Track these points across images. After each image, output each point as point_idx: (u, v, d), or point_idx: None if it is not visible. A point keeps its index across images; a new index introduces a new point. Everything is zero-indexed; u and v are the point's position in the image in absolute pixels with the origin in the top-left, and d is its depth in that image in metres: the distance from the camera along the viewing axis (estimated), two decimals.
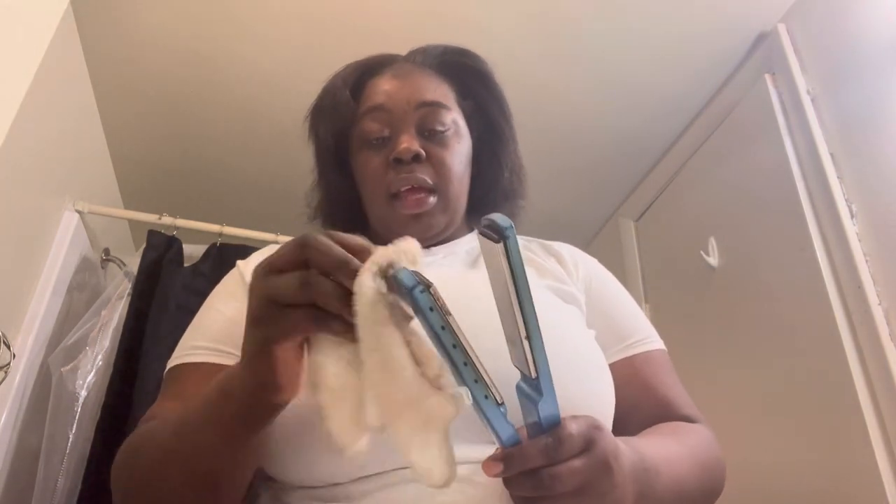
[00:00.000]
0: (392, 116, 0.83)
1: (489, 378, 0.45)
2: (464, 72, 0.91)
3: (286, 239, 1.83)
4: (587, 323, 0.81)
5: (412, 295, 0.43)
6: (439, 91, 0.86)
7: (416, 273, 0.44)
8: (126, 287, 1.72)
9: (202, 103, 1.79)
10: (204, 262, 1.71)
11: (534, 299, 0.46)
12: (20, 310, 1.49)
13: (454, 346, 0.44)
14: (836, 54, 1.42)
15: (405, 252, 0.47)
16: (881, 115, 1.27)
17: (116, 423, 1.47)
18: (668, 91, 1.78)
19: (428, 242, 0.85)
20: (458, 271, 0.82)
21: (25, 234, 1.49)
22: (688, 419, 0.78)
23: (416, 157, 0.80)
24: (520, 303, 0.46)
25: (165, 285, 1.64)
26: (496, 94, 0.93)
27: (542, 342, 0.47)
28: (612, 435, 0.53)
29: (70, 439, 1.48)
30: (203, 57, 1.66)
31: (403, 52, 0.95)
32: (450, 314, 0.44)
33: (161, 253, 1.70)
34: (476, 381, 0.45)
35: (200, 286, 1.66)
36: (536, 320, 0.46)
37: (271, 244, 1.72)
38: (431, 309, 0.43)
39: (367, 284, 0.44)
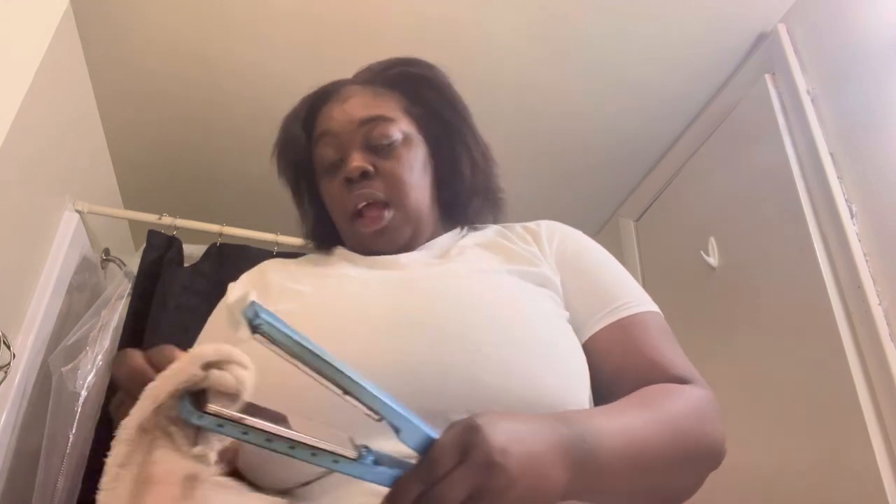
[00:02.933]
0: (339, 139, 0.86)
1: (326, 444, 0.46)
2: (410, 80, 0.92)
3: (286, 239, 1.84)
4: (566, 302, 0.79)
5: (197, 426, 0.45)
6: (382, 104, 0.87)
7: (197, 396, 0.45)
8: (126, 287, 1.72)
9: (202, 103, 1.79)
10: (204, 262, 1.71)
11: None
12: (20, 310, 1.49)
13: (269, 441, 0.45)
14: (836, 54, 1.42)
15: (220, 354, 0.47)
16: (881, 115, 1.27)
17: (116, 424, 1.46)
18: (668, 91, 1.78)
19: (404, 250, 0.86)
20: (401, 273, 0.81)
21: (25, 234, 1.49)
22: (680, 380, 0.72)
23: (365, 174, 0.82)
24: (317, 372, 0.46)
25: (165, 285, 1.63)
26: (446, 95, 0.93)
27: (363, 384, 0.47)
28: (501, 424, 0.50)
29: (70, 439, 1.48)
30: (203, 57, 1.66)
31: (403, 53, 0.95)
32: (244, 418, 0.45)
33: (161, 253, 1.70)
34: (314, 455, 0.45)
35: (200, 286, 1.66)
36: (344, 372, 0.46)
37: (271, 244, 1.74)
38: (221, 426, 0.44)
39: (132, 416, 0.47)
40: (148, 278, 1.66)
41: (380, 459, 0.48)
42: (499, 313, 0.70)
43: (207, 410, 0.44)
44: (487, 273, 0.78)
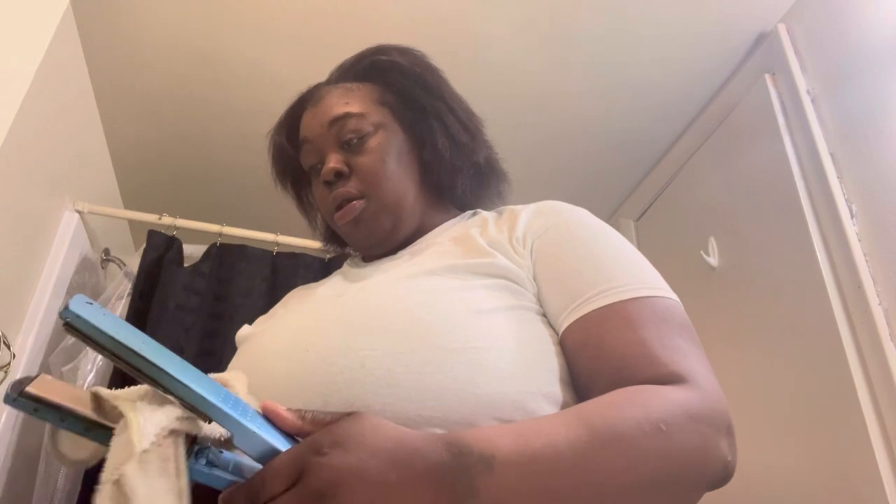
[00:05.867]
0: (315, 144, 0.87)
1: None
2: (379, 69, 0.91)
3: (286, 239, 1.83)
4: (543, 293, 0.70)
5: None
6: (351, 100, 0.87)
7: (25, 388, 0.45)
8: (126, 287, 1.72)
9: (202, 103, 1.79)
10: (204, 262, 1.71)
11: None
12: (20, 310, 1.49)
13: (62, 420, 0.45)
14: (836, 54, 1.42)
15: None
16: (881, 115, 1.28)
17: None
18: (668, 91, 1.78)
19: (389, 242, 0.85)
20: (362, 284, 0.78)
21: (25, 234, 1.49)
22: (660, 379, 0.59)
23: (339, 174, 0.83)
24: (135, 368, 0.43)
25: (165, 285, 1.64)
26: (415, 76, 0.90)
27: (186, 382, 0.43)
28: (357, 447, 0.45)
29: None
30: (203, 56, 1.66)
31: None
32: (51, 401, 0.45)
33: (161, 253, 1.70)
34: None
35: (200, 286, 1.66)
36: (162, 368, 0.42)
37: (271, 244, 1.74)
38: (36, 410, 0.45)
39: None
40: (148, 278, 1.66)
41: (217, 462, 0.46)
42: (391, 323, 0.63)
43: (23, 394, 0.44)
44: (413, 277, 0.72)
